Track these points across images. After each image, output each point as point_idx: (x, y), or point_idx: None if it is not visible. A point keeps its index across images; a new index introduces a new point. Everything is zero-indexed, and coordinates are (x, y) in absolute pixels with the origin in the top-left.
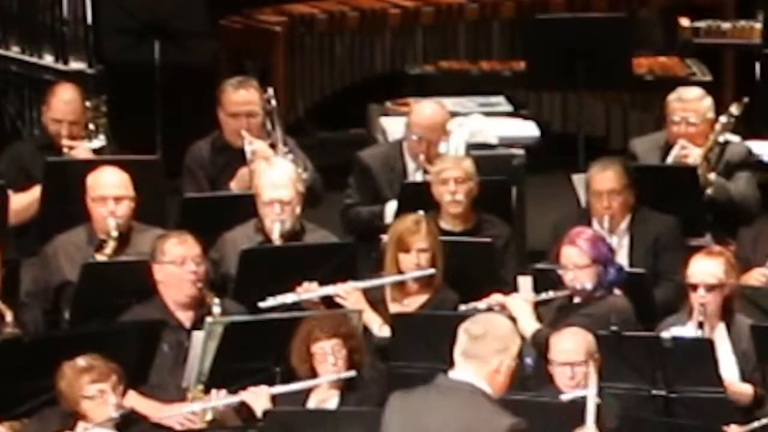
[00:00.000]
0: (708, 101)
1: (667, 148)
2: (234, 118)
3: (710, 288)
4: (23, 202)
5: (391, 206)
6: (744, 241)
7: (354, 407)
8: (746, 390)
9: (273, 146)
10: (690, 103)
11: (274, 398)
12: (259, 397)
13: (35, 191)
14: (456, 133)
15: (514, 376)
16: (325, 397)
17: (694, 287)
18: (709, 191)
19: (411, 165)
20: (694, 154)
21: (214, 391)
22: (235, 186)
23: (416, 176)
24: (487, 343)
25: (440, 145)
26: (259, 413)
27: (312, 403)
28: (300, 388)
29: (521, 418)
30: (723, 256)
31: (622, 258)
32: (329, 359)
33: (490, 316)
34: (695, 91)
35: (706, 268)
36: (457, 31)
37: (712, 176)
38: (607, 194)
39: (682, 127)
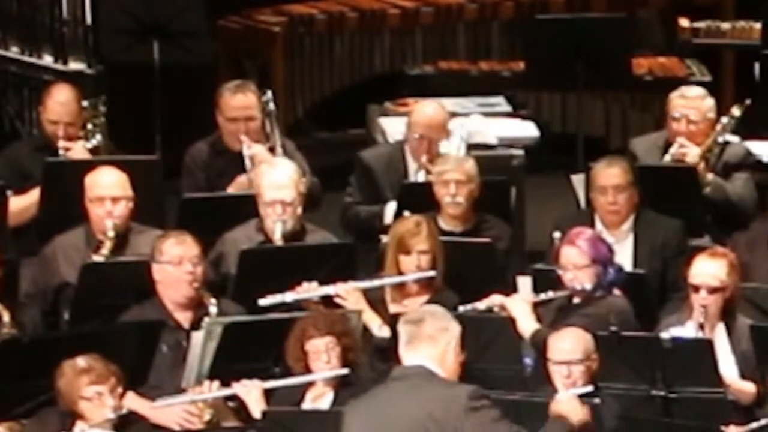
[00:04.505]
0: (710, 101)
1: (667, 147)
2: (232, 122)
3: (712, 290)
4: (21, 204)
5: (391, 207)
6: (739, 246)
7: None
8: (749, 388)
9: (272, 150)
10: (692, 100)
11: (267, 395)
12: (251, 390)
13: (34, 193)
14: (456, 133)
15: (462, 367)
16: (319, 394)
17: (696, 288)
18: (706, 191)
19: (412, 166)
20: (692, 153)
21: (206, 383)
22: (232, 191)
23: (418, 177)
24: (429, 323)
25: (441, 144)
26: (251, 407)
27: (307, 401)
28: (291, 384)
29: (477, 385)
30: (726, 258)
31: (626, 258)
32: (323, 357)
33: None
34: (698, 90)
35: (709, 269)
36: (457, 31)
37: (710, 176)
38: (612, 189)
39: (683, 123)
